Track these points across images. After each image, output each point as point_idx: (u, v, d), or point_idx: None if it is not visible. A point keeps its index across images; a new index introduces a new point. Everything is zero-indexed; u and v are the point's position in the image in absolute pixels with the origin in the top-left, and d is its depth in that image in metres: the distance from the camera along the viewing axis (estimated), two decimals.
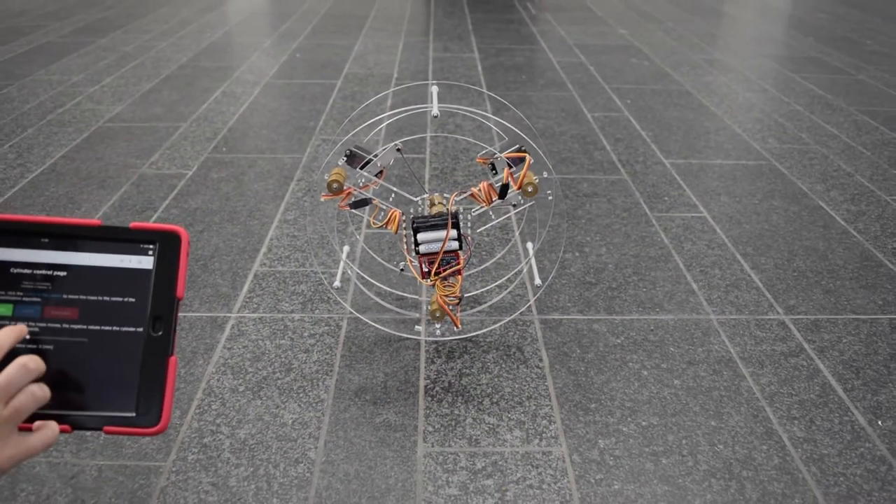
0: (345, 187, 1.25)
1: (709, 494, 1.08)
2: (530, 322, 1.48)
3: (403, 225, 1.27)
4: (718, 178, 2.21)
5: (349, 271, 1.63)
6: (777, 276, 1.68)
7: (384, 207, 1.29)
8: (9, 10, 4.47)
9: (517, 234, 1.85)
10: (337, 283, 1.41)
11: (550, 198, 2.03)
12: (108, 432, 0.66)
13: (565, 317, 1.50)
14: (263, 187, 2.08)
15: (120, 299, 0.67)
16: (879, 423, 1.23)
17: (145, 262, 0.68)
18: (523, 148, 1.26)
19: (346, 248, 1.51)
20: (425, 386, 1.30)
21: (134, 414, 0.67)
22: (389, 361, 1.36)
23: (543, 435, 1.19)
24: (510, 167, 1.25)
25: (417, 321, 1.47)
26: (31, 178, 2.11)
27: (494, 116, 2.42)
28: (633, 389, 1.30)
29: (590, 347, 1.41)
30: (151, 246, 0.68)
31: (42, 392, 0.62)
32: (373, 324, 1.45)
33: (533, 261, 1.49)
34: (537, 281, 1.38)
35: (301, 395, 1.27)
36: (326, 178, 1.24)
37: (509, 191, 1.26)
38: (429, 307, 1.43)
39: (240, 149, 2.36)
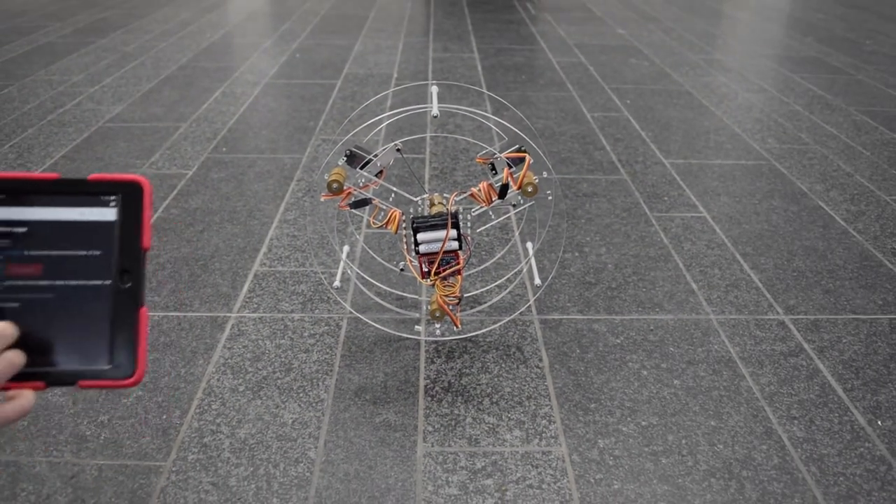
0: (345, 187, 1.25)
1: (708, 494, 1.08)
2: (530, 322, 1.48)
3: (403, 225, 1.27)
4: (718, 178, 2.22)
5: (349, 271, 1.63)
6: (777, 276, 1.68)
7: (384, 207, 1.29)
8: (9, 10, 4.47)
9: (517, 234, 1.85)
10: (337, 283, 1.42)
11: (550, 198, 2.03)
12: (83, 386, 0.65)
13: (565, 317, 1.50)
14: (263, 187, 2.08)
15: (84, 253, 0.66)
16: (879, 422, 1.23)
17: (107, 213, 0.67)
18: (523, 148, 1.26)
19: (346, 248, 1.51)
20: (425, 386, 1.30)
21: (108, 367, 0.66)
22: (389, 361, 1.36)
23: (543, 435, 1.19)
24: (510, 167, 1.25)
25: (417, 321, 1.47)
26: None
27: (494, 116, 2.42)
28: (633, 389, 1.30)
29: (589, 347, 1.41)
30: (113, 197, 0.67)
31: (19, 358, 0.62)
32: (373, 324, 1.45)
33: (533, 261, 1.49)
34: (537, 281, 1.38)
35: (301, 394, 1.27)
36: (326, 178, 1.24)
37: (509, 191, 1.26)
38: (429, 307, 1.43)
39: (240, 149, 2.36)
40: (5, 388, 0.62)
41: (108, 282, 0.66)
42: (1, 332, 0.61)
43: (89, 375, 0.65)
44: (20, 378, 0.63)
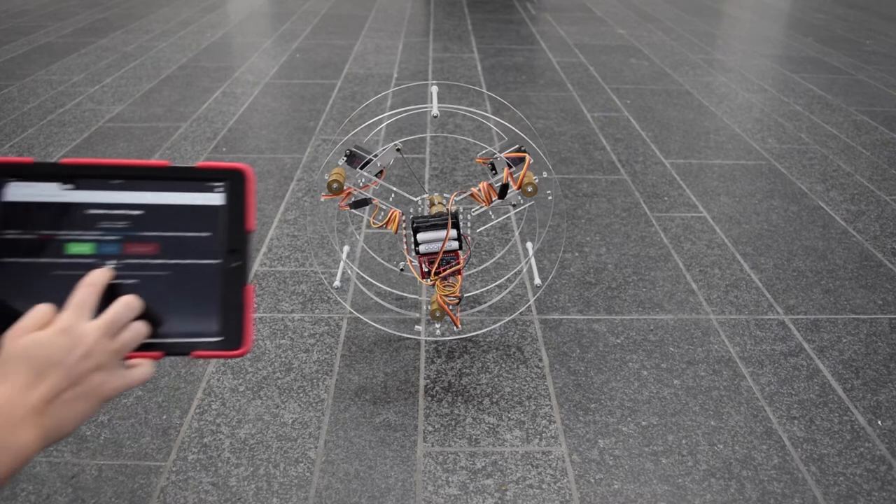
0: (345, 187, 1.25)
1: (708, 494, 1.08)
2: (530, 322, 1.48)
3: (403, 225, 1.27)
4: (718, 178, 2.21)
5: (349, 271, 1.63)
6: (777, 275, 1.68)
7: (384, 207, 1.29)
8: (9, 10, 4.47)
9: (517, 234, 1.85)
10: (337, 283, 1.42)
11: (550, 198, 2.03)
12: (196, 356, 0.70)
13: (565, 317, 1.50)
14: (263, 187, 2.08)
15: (195, 234, 0.71)
16: (879, 422, 1.23)
17: (215, 198, 0.72)
18: (523, 148, 1.26)
19: (346, 248, 1.51)
20: (425, 386, 1.30)
21: (218, 339, 0.72)
22: (389, 361, 1.36)
23: (543, 435, 1.19)
24: (510, 167, 1.25)
25: (417, 321, 1.47)
26: None
27: (494, 116, 2.42)
28: (633, 389, 1.30)
29: (589, 347, 1.41)
30: (220, 183, 0.72)
31: (144, 329, 0.68)
32: (373, 324, 1.45)
33: (533, 261, 1.49)
34: (537, 281, 1.38)
35: (301, 394, 1.27)
36: (326, 178, 1.24)
37: (509, 191, 1.26)
38: (429, 307, 1.43)
39: (240, 149, 2.36)
40: (127, 358, 0.68)
41: (217, 261, 0.71)
42: (130, 304, 0.67)
43: (202, 346, 0.71)
44: (141, 348, 0.69)
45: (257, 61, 3.44)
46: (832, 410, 1.26)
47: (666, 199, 2.06)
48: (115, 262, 0.70)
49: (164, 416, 1.21)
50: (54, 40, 3.75)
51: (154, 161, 0.70)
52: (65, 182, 0.70)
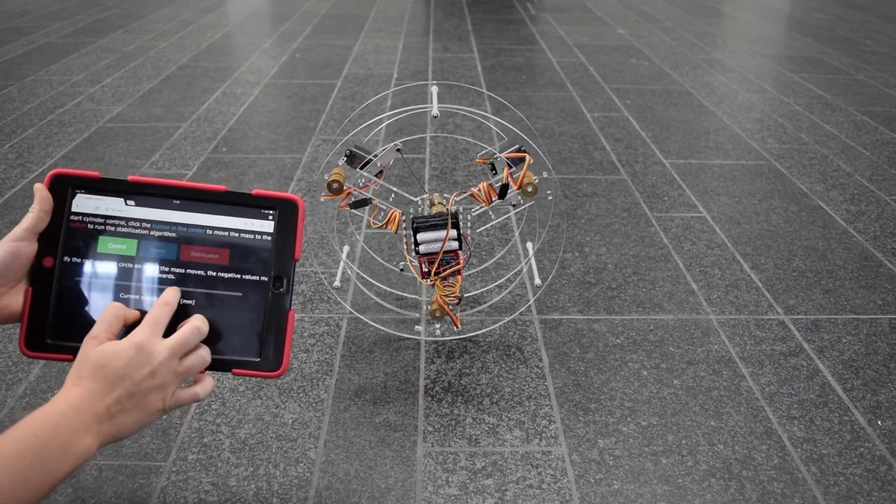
0: (345, 187, 1.25)
1: (708, 494, 1.08)
2: (530, 322, 1.48)
3: (403, 225, 1.27)
4: (718, 178, 2.21)
5: (349, 271, 1.63)
6: (777, 275, 1.68)
7: (384, 207, 1.29)
8: (9, 10, 4.47)
9: (517, 234, 1.85)
10: (337, 283, 1.42)
11: (550, 198, 2.03)
12: (236, 374, 0.74)
13: (565, 317, 1.50)
14: (263, 187, 2.08)
15: (245, 258, 0.74)
16: (879, 422, 1.23)
17: (266, 225, 0.74)
18: (523, 148, 1.26)
19: (346, 248, 1.51)
20: (425, 386, 1.30)
21: (258, 359, 0.74)
22: (389, 361, 1.36)
23: (543, 435, 1.19)
24: (510, 167, 1.25)
25: (417, 321, 1.47)
26: (32, 178, 2.11)
27: (494, 116, 2.42)
28: (633, 389, 1.30)
29: (589, 347, 1.41)
30: (272, 212, 0.74)
31: (208, 355, 0.72)
32: (373, 324, 1.45)
33: (533, 261, 1.49)
34: (537, 281, 1.38)
35: (301, 395, 1.27)
36: (326, 178, 1.24)
37: (509, 191, 1.26)
38: (429, 307, 1.43)
39: (240, 149, 2.36)
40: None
41: (262, 286, 0.74)
42: (199, 330, 0.71)
43: (242, 365, 0.74)
44: None
45: (257, 61, 3.44)
46: (832, 410, 1.26)
47: (666, 199, 2.06)
48: (168, 276, 0.73)
49: (164, 417, 1.21)
50: (54, 40, 3.75)
51: (213, 185, 0.72)
52: (128, 198, 0.73)
